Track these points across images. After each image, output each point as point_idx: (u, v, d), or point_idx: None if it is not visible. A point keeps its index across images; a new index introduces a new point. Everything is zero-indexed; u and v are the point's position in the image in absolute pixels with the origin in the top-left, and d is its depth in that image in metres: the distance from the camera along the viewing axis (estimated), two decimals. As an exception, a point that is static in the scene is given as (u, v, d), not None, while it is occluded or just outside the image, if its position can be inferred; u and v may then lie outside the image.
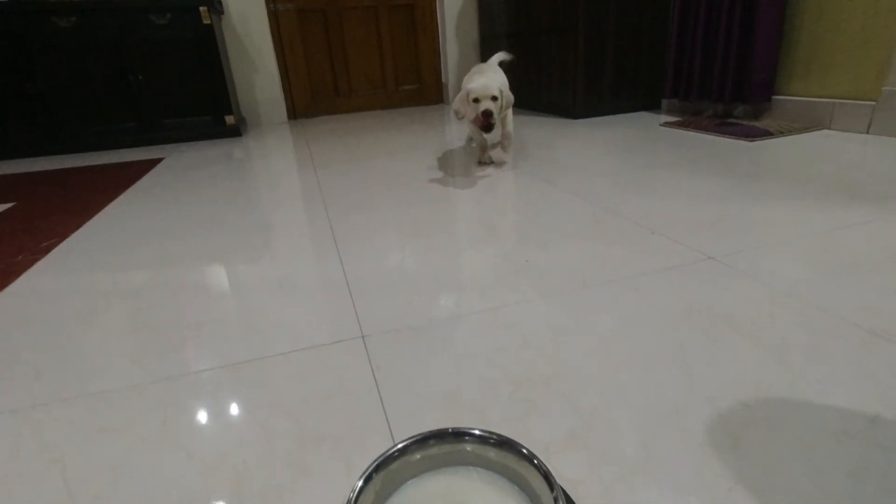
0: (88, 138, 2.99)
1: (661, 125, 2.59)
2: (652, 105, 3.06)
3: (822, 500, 0.52)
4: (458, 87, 1.57)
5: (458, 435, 0.53)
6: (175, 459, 0.64)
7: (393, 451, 0.54)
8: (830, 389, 0.67)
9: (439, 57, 4.16)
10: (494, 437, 0.52)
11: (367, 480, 0.50)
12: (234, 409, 0.74)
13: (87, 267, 1.29)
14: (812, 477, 0.55)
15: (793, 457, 0.57)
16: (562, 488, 0.48)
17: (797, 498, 0.52)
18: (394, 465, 0.53)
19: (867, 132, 2.06)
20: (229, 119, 3.11)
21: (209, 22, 2.91)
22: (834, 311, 0.84)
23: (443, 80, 4.24)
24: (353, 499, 0.48)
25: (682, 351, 0.78)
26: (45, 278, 1.24)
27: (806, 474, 0.55)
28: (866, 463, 0.56)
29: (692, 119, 2.66)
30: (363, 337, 0.87)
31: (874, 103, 2.02)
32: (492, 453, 0.51)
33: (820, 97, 2.23)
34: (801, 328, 0.81)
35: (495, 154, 2.11)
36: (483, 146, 2.04)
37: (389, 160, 2.26)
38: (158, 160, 2.61)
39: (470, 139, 2.52)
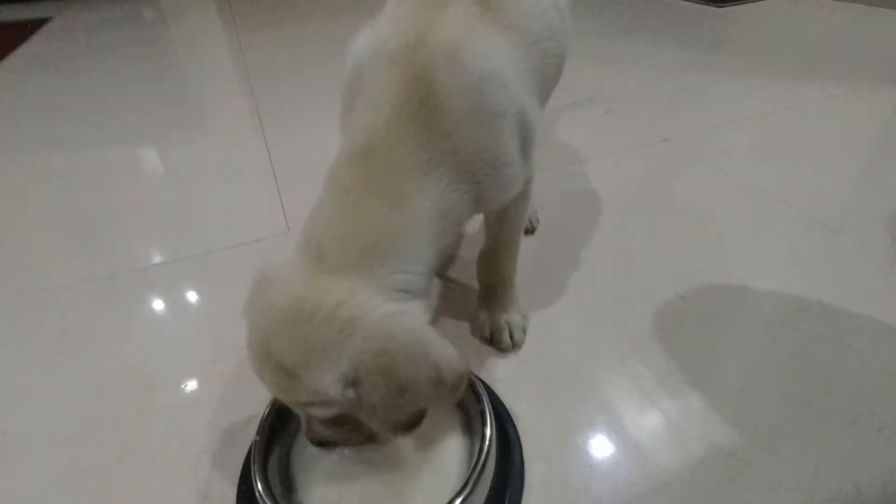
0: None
1: (626, -14, 2.35)
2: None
3: (751, 389, 0.53)
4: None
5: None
6: (73, 375, 0.58)
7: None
8: (764, 279, 0.67)
9: None
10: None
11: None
12: (146, 317, 0.67)
13: (-36, 154, 1.10)
14: (741, 367, 0.55)
15: (724, 349, 0.58)
16: (487, 389, 0.46)
17: (726, 389, 0.53)
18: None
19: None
20: (129, -32, 2.59)
21: None
22: (777, 196, 0.82)
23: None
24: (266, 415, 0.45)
25: (627, 239, 0.75)
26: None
27: (736, 365, 0.56)
28: (793, 351, 0.57)
29: (660, -21, 2.42)
30: (290, 232, 0.79)
31: (849, -36, 1.87)
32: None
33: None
34: (744, 214, 0.79)
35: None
36: None
37: (328, 22, 1.98)
38: (43, 21, 2.19)
39: None
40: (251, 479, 0.41)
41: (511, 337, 0.58)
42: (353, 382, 0.33)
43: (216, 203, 0.89)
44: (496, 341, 0.58)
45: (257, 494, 0.39)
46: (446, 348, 0.36)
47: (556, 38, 0.48)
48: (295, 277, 0.35)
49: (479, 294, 0.61)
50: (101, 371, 0.59)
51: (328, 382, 0.33)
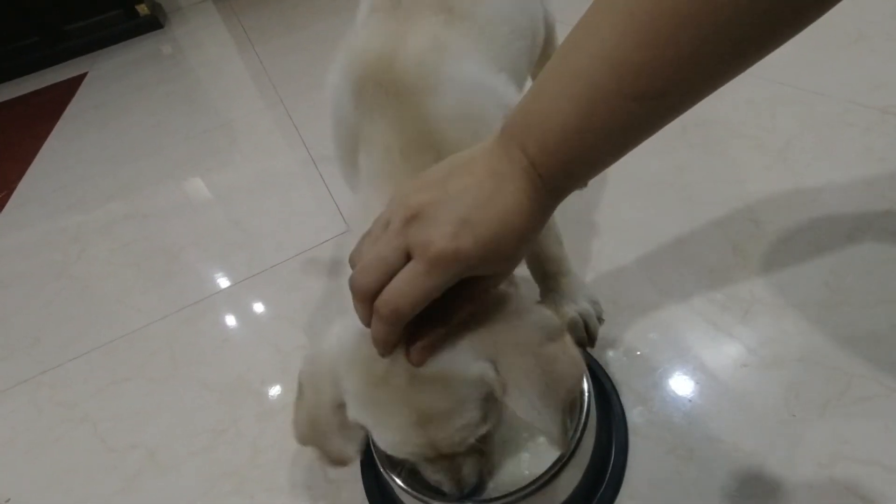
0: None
1: None
2: None
3: (839, 304, 0.51)
4: None
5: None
6: (192, 393, 0.64)
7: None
8: (839, 186, 0.64)
9: None
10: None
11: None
12: (240, 331, 0.73)
13: (49, 213, 1.21)
14: (828, 282, 0.54)
15: (806, 266, 0.56)
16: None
17: (814, 309, 0.52)
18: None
19: None
20: (141, 8, 2.69)
21: None
22: (840, 95, 0.77)
23: None
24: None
25: (682, 173, 0.73)
26: (9, 236, 1.17)
27: (821, 282, 0.54)
28: (880, 257, 0.54)
29: None
30: (350, 231, 0.83)
31: None
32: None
33: None
34: (805, 122, 0.75)
35: None
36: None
37: (335, 20, 1.99)
38: (82, 76, 2.32)
39: None
40: (371, 456, 0.44)
41: (587, 329, 0.51)
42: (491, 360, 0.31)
43: (274, 217, 0.94)
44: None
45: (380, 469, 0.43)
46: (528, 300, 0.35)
47: (521, 37, 0.48)
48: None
49: (541, 292, 0.54)
50: (213, 386, 0.64)
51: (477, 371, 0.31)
